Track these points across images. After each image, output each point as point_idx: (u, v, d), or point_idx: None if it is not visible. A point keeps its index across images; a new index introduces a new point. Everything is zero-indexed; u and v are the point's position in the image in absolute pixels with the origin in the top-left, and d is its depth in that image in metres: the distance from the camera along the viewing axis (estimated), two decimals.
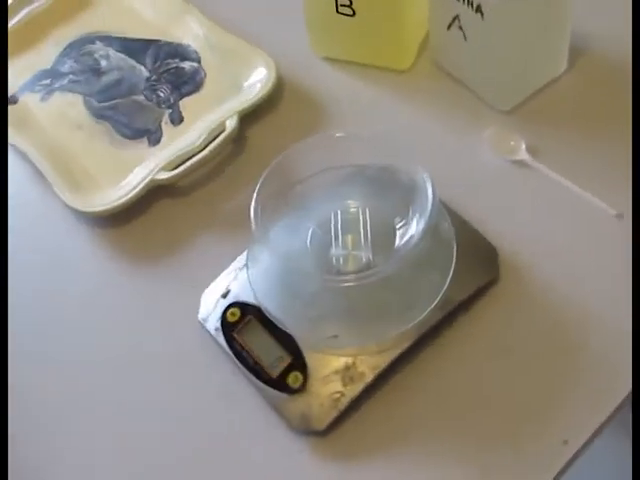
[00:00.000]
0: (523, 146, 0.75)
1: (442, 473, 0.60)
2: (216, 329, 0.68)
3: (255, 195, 0.64)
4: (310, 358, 0.64)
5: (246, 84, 0.85)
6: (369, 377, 0.62)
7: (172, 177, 0.77)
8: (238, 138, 0.81)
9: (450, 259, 0.64)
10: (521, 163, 0.75)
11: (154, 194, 0.78)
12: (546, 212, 0.72)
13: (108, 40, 0.93)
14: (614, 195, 0.70)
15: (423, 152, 0.69)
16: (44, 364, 0.71)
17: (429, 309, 0.62)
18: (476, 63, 0.77)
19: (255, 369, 0.64)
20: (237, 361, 0.65)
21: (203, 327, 0.69)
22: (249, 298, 0.67)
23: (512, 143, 0.75)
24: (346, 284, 0.60)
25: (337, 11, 0.80)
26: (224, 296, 0.69)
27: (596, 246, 0.69)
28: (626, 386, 0.60)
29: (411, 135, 0.79)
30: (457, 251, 0.65)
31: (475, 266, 0.67)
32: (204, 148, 0.79)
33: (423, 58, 0.85)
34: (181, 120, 0.84)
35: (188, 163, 0.78)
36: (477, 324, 0.66)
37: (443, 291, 0.63)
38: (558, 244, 0.70)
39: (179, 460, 0.64)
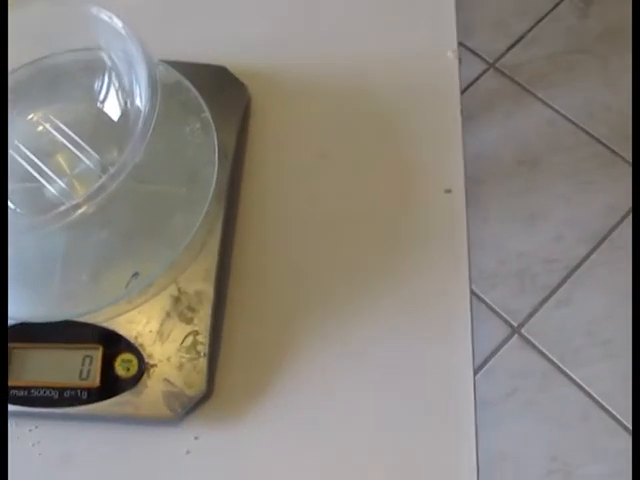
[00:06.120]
0: None
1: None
2: None
3: None
4: (122, 327, 0.44)
5: None
6: (209, 291, 0.44)
7: None
8: None
9: (198, 103, 0.47)
10: None
11: None
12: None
13: None
14: None
15: None
16: None
17: (215, 172, 0.45)
18: None
19: (69, 398, 0.43)
20: (41, 408, 0.44)
21: None
22: None
23: None
24: (91, 204, 0.38)
25: None
26: None
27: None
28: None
29: None
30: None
31: (223, 96, 0.50)
32: None
33: None
34: None
35: None
36: (265, 141, 0.52)
37: (216, 141, 0.46)
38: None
39: None
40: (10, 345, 0.45)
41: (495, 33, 1.50)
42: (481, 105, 1.42)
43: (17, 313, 0.44)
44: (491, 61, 1.46)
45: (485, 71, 1.46)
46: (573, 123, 1.38)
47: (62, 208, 0.39)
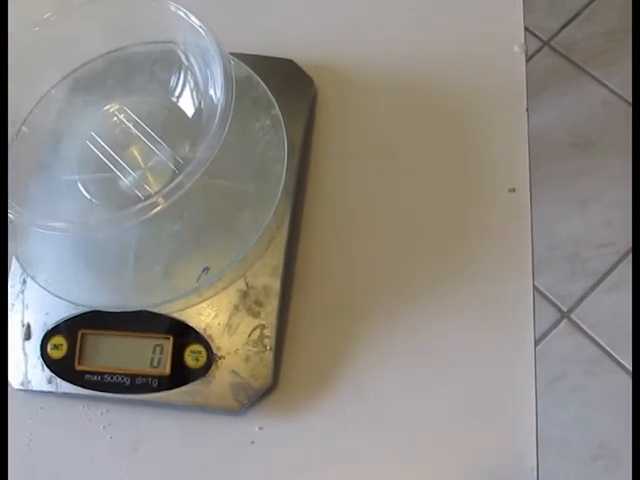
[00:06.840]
0: None
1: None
2: (50, 382, 0.47)
3: None
4: (192, 319, 0.45)
5: None
6: (276, 286, 0.45)
7: None
8: None
9: (268, 98, 0.47)
10: None
11: None
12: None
13: None
14: None
15: None
16: None
17: (284, 169, 0.46)
18: None
19: (140, 385, 0.45)
20: (113, 394, 0.45)
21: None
22: (61, 313, 0.47)
23: None
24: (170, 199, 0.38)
25: None
26: (27, 337, 0.47)
27: None
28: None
29: None
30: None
31: (291, 90, 0.50)
32: None
33: None
34: None
35: None
36: (331, 137, 0.51)
37: (286, 138, 0.46)
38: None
39: None
40: (82, 331, 0.46)
41: (550, 10, 1.45)
42: (534, 84, 1.39)
43: (91, 301, 0.46)
44: (545, 39, 1.42)
45: (539, 49, 1.42)
46: (628, 103, 1.34)
47: (139, 205, 0.39)
